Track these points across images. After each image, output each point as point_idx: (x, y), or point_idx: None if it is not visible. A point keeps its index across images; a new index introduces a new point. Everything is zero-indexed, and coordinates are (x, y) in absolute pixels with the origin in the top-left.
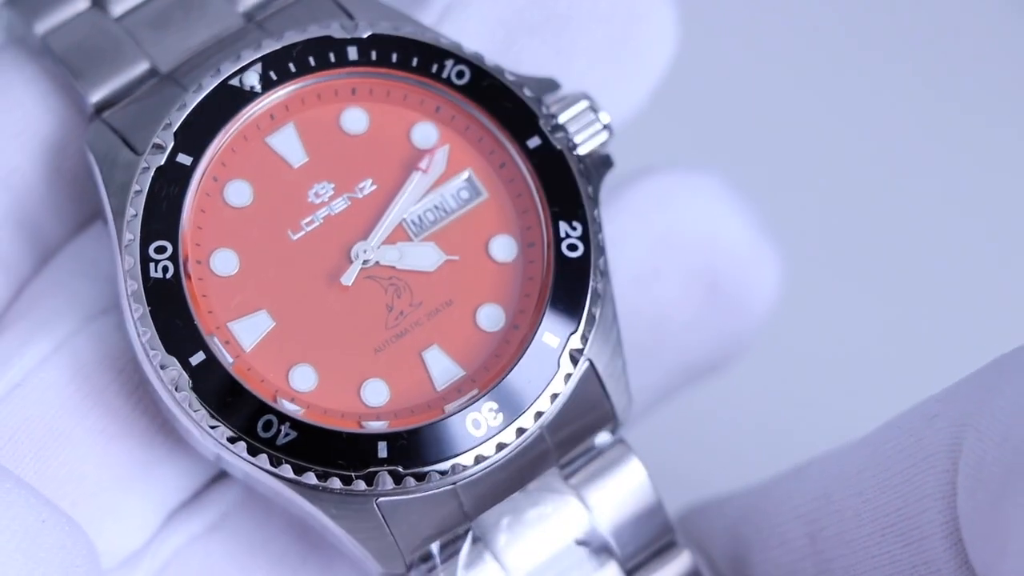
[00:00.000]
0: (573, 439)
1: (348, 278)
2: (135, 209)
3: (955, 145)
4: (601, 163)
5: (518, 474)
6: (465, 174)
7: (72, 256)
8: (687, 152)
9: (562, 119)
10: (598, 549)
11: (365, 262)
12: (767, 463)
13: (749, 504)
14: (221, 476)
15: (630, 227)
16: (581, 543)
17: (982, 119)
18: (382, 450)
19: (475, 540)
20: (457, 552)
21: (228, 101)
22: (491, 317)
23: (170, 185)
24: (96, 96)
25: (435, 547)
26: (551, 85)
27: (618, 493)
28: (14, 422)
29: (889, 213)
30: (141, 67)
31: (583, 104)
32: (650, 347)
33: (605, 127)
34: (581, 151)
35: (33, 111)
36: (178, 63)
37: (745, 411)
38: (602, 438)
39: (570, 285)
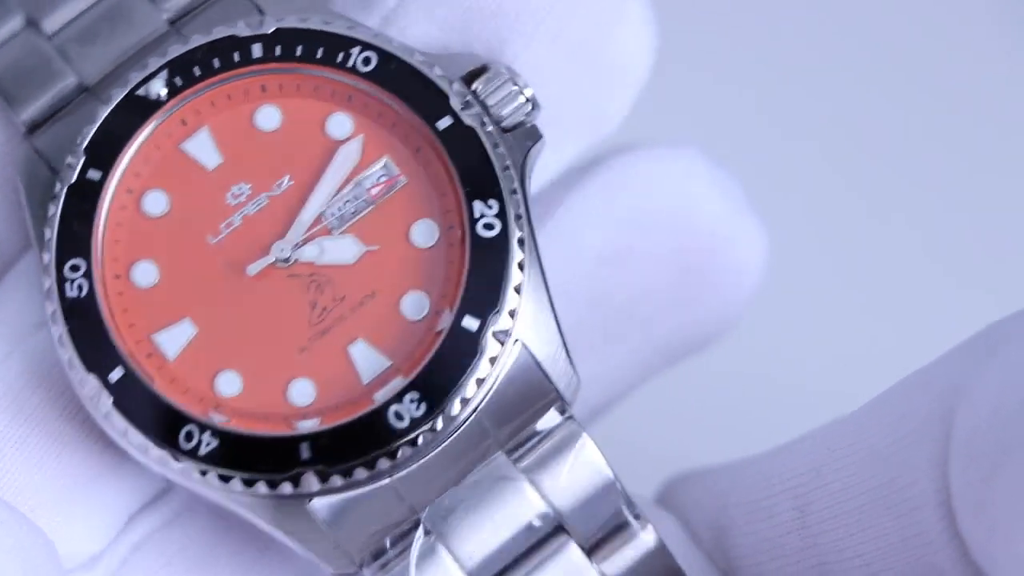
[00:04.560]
0: (517, 424)
1: (254, 269)
2: (51, 230)
3: (939, 124)
4: (527, 136)
5: (463, 463)
6: (382, 161)
7: (32, 263)
8: (670, 132)
9: (482, 94)
10: (556, 531)
11: (286, 260)
12: (760, 441)
13: (737, 476)
14: None
15: (599, 206)
16: (536, 526)
17: (966, 96)
18: (304, 451)
19: (427, 532)
20: (410, 545)
21: (135, 112)
22: (415, 305)
23: (81, 202)
24: (26, 115)
25: (387, 541)
26: (471, 60)
27: (570, 472)
28: None
29: (874, 189)
30: (69, 83)
31: (502, 77)
32: (620, 331)
33: (528, 100)
34: (506, 124)
35: None
36: (103, 74)
37: (736, 388)
38: (550, 419)
39: (488, 265)
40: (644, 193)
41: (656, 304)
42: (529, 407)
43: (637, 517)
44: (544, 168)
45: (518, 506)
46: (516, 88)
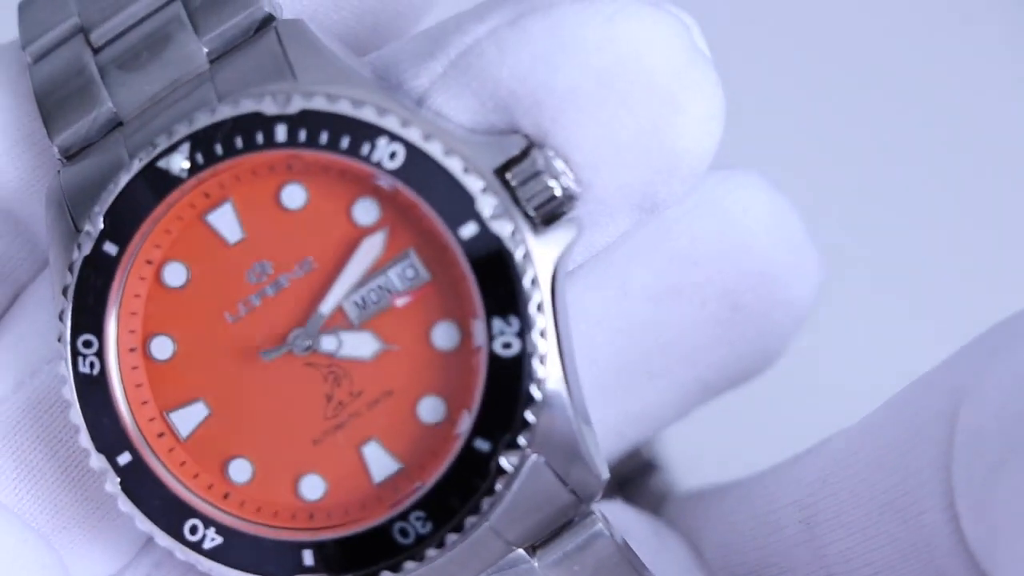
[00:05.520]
0: (534, 526)
1: (270, 356)
2: (67, 300)
3: (940, 129)
4: (562, 230)
5: (476, 563)
6: (408, 254)
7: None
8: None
9: (515, 187)
10: None
11: (307, 348)
12: (766, 458)
13: (743, 493)
14: None
15: (651, 238)
16: None
17: (996, 98)
18: (307, 558)
19: None
20: None
21: (156, 184)
22: (432, 409)
23: (96, 276)
24: (58, 140)
25: None
26: (514, 143)
27: (595, 571)
28: None
29: (900, 207)
30: (105, 110)
31: (537, 167)
32: (663, 368)
33: (564, 191)
34: (539, 220)
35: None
36: (139, 110)
37: (743, 402)
38: (571, 515)
39: (504, 385)
40: (699, 224)
41: (703, 341)
42: (546, 510)
43: None
44: (588, 245)
45: None
46: (551, 182)
